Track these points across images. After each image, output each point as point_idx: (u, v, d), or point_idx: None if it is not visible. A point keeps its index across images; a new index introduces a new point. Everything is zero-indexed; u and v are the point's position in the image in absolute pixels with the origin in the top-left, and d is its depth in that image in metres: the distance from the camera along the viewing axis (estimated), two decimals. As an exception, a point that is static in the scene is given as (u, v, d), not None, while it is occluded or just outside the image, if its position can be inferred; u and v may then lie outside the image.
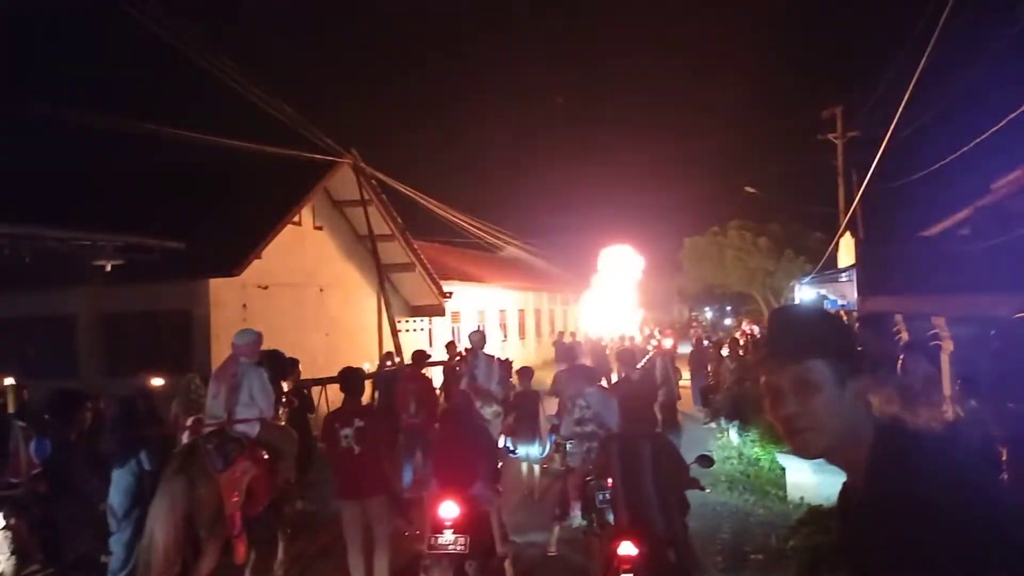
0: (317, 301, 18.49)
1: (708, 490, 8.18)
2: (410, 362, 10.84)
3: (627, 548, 5.46)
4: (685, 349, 23.20)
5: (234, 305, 15.97)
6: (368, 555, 6.73)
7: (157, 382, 8.94)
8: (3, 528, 5.74)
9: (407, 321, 22.27)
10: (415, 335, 22.46)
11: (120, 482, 6.20)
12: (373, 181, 19.17)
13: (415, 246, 21.48)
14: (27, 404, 5.93)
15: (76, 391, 5.92)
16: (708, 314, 42.32)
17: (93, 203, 15.87)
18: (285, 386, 7.64)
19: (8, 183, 18.39)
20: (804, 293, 38.86)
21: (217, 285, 15.63)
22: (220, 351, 14.95)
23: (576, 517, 7.67)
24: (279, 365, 7.68)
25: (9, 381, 8.21)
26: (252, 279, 15.94)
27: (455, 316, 25.88)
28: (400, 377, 10.48)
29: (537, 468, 10.41)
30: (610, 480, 7.47)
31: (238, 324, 15.52)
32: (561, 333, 29.22)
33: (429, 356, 11.61)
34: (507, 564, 7.18)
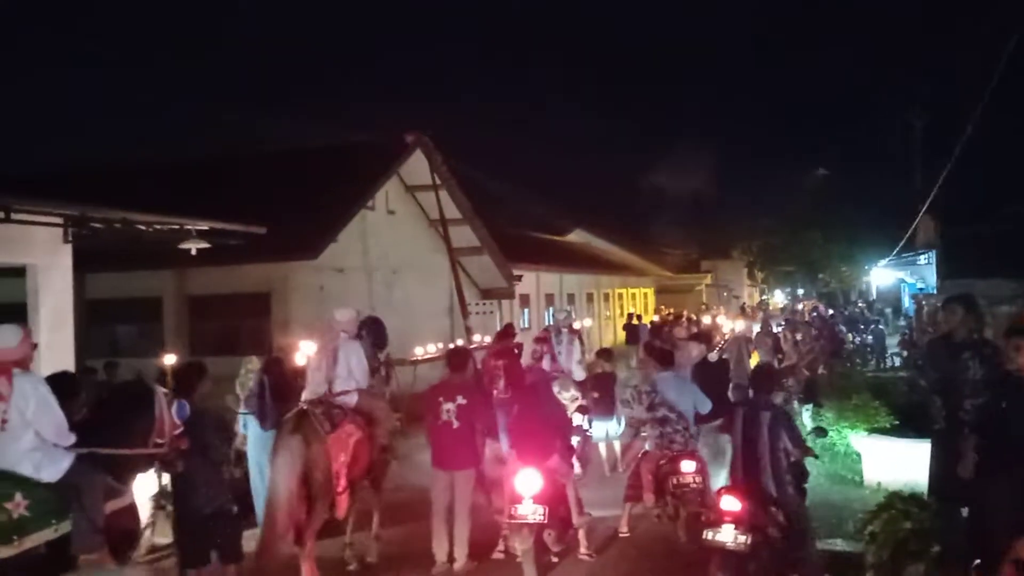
0: (390, 284, 18.81)
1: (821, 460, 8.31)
2: (498, 338, 11.22)
3: (729, 502, 5.87)
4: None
5: (311, 288, 16.37)
6: (451, 523, 7.11)
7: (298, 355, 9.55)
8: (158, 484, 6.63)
9: (477, 304, 22.47)
10: (485, 318, 22.65)
11: (266, 443, 7.07)
12: (444, 166, 19.37)
13: (485, 230, 21.64)
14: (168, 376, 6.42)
15: (199, 364, 6.44)
16: (780, 297, 41.51)
17: (180, 188, 16.37)
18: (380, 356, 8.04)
19: (103, 170, 19.16)
20: (881, 277, 37.97)
21: (295, 268, 16.04)
22: (298, 332, 15.38)
23: (649, 501, 7.72)
24: (379, 333, 8.02)
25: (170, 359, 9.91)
26: (328, 262, 16.30)
27: (524, 299, 26.00)
28: (489, 354, 10.78)
29: (617, 444, 10.53)
30: (683, 465, 7.54)
31: (315, 306, 15.91)
32: (631, 315, 29.11)
33: (515, 332, 12.04)
34: (581, 535, 7.37)
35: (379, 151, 18.42)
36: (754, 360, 18.22)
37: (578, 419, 9.54)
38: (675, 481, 7.51)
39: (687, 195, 51.93)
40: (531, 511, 6.54)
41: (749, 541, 5.70)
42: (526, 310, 26.27)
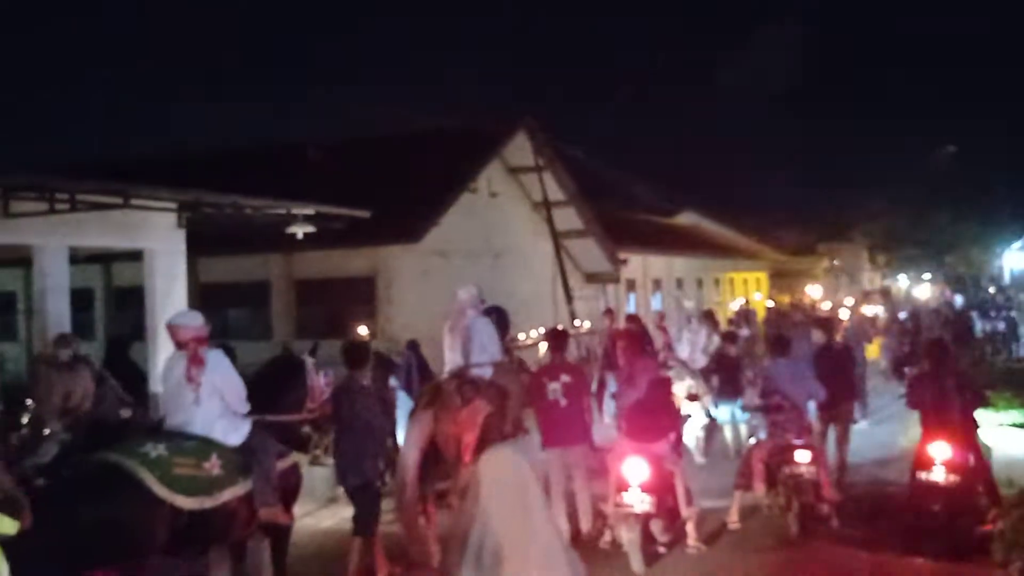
0: (493, 268, 18.73)
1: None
2: (626, 323, 11.89)
3: (941, 448, 6.98)
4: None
5: (414, 272, 16.46)
6: (569, 496, 7.37)
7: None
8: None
9: (581, 288, 22.18)
10: (589, 303, 22.34)
11: None
12: (548, 147, 19.12)
13: (590, 212, 21.29)
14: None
15: (364, 343, 7.26)
16: (903, 282, 39.62)
17: (286, 174, 16.67)
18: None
19: (213, 156, 19.78)
20: (1015, 260, 35.65)
21: (398, 252, 16.15)
22: (402, 316, 15.49)
23: (759, 491, 7.57)
24: (503, 321, 8.49)
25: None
26: (431, 246, 16.33)
27: (630, 284, 25.55)
28: (613, 337, 11.26)
29: (743, 428, 10.21)
30: (797, 455, 7.23)
31: (418, 290, 16.00)
32: (745, 302, 28.22)
33: (640, 319, 12.59)
34: (690, 527, 7.14)
35: (481, 133, 18.32)
36: (875, 347, 17.40)
37: (688, 408, 9.31)
38: (788, 471, 7.34)
39: (804, 174, 50.09)
40: (638, 500, 6.58)
41: (957, 480, 6.88)
42: (632, 295, 25.79)
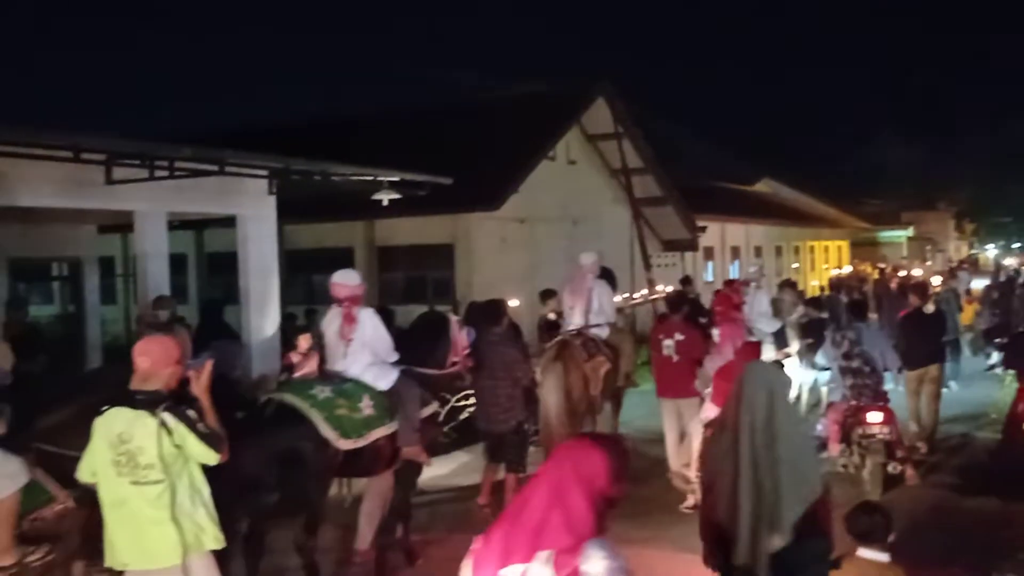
0: (570, 235, 18.72)
1: None
2: (723, 288, 12.35)
3: None
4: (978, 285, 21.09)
5: (493, 238, 16.58)
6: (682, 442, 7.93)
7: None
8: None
9: (659, 256, 22.01)
10: (667, 270, 22.17)
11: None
12: (627, 114, 18.93)
13: (668, 179, 21.05)
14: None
15: (499, 300, 7.75)
16: (990, 252, 38.14)
17: (369, 141, 16.89)
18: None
19: (301, 125, 20.15)
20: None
21: (477, 219, 16.28)
22: (481, 282, 15.64)
23: (834, 451, 7.72)
24: (612, 282, 9.17)
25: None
26: (510, 213, 16.41)
27: (708, 252, 25.23)
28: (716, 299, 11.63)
29: (824, 390, 10.21)
30: (871, 415, 7.31)
31: (497, 256, 16.13)
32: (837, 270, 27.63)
33: (737, 284, 13.05)
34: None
35: (561, 100, 18.25)
36: (968, 313, 17.04)
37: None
38: (861, 431, 7.52)
39: (888, 141, 48.44)
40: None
41: None
42: (710, 263, 25.49)
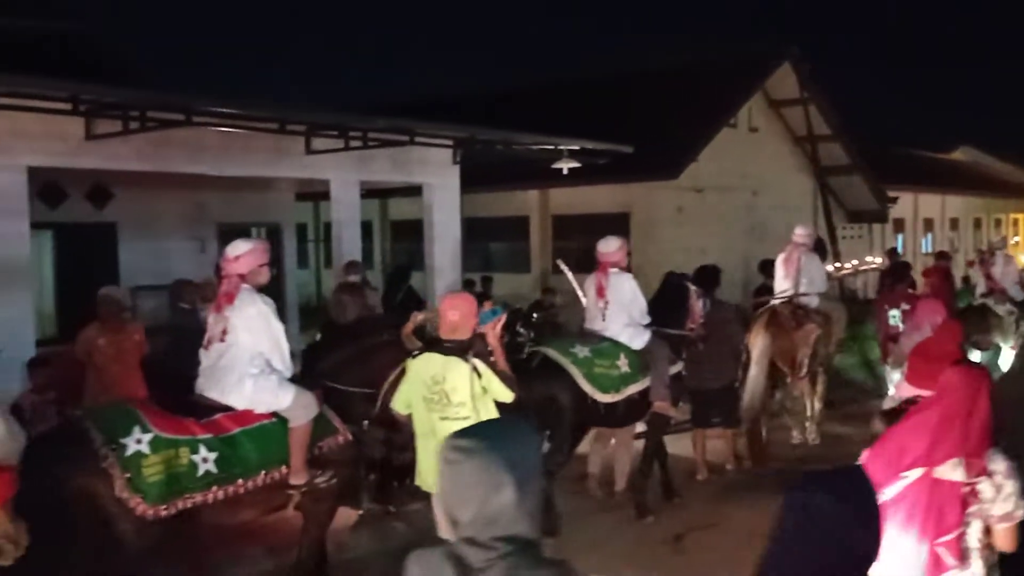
0: (749, 205, 18.11)
1: None
2: (937, 260, 12.27)
3: None
4: None
5: (669, 208, 16.30)
6: None
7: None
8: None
9: (844, 227, 20.91)
10: (853, 243, 21.05)
11: None
12: (814, 78, 18.00)
13: (856, 147, 19.89)
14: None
15: (716, 266, 7.97)
16: None
17: (548, 110, 16.96)
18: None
19: (482, 95, 20.55)
20: None
21: (654, 188, 16.03)
22: (656, 251, 15.42)
23: None
24: (822, 252, 9.65)
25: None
26: (687, 182, 16.06)
27: (898, 224, 23.73)
28: (928, 272, 11.62)
29: None
30: None
31: (673, 227, 15.85)
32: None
33: (950, 256, 13.09)
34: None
35: (743, 66, 17.57)
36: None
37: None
38: None
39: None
40: None
41: None
42: (900, 235, 23.97)
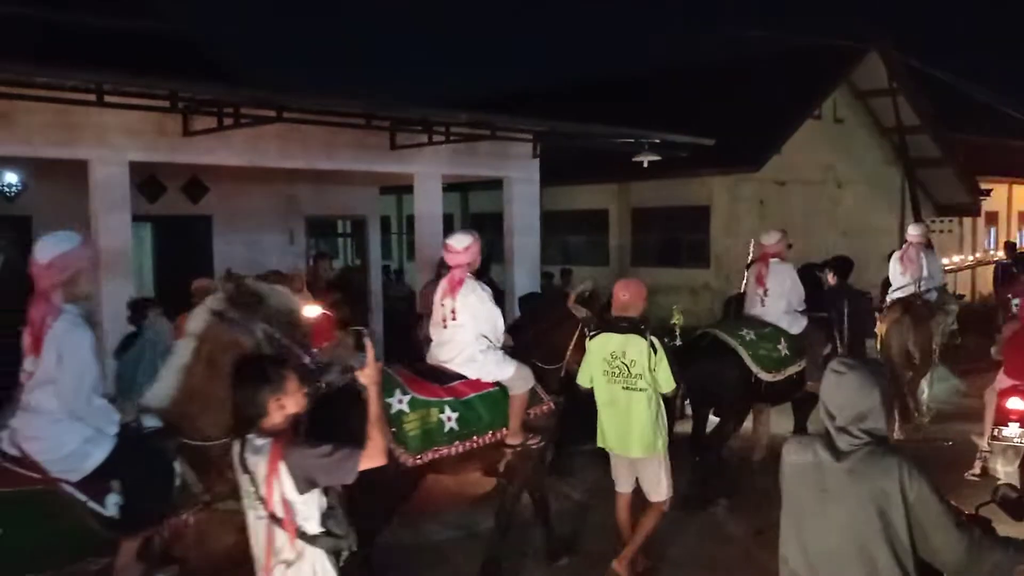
0: (833, 198, 17.72)
1: None
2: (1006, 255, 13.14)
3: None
4: None
5: (751, 201, 16.08)
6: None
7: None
8: None
9: (932, 221, 20.22)
10: (942, 237, 20.35)
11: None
12: (903, 67, 17.44)
13: (948, 138, 19.21)
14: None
15: (847, 257, 8.57)
16: None
17: (628, 103, 16.89)
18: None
19: (559, 89, 20.57)
20: None
21: (736, 181, 15.85)
22: (737, 245, 15.24)
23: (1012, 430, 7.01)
24: (932, 247, 10.02)
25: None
26: (769, 175, 15.83)
27: (991, 217, 22.85)
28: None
29: None
30: None
31: (755, 220, 15.61)
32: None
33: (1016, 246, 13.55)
34: None
35: (829, 55, 17.15)
36: None
37: None
38: None
39: None
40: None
41: None
42: (992, 229, 23.08)
